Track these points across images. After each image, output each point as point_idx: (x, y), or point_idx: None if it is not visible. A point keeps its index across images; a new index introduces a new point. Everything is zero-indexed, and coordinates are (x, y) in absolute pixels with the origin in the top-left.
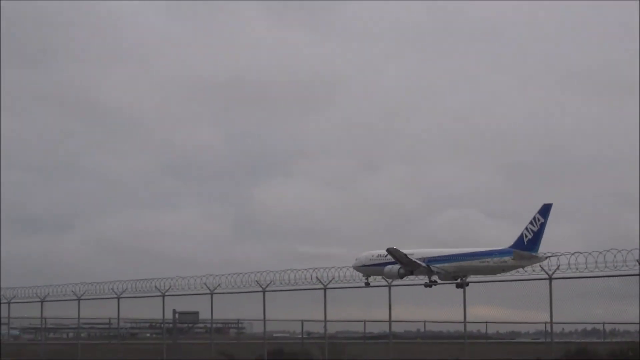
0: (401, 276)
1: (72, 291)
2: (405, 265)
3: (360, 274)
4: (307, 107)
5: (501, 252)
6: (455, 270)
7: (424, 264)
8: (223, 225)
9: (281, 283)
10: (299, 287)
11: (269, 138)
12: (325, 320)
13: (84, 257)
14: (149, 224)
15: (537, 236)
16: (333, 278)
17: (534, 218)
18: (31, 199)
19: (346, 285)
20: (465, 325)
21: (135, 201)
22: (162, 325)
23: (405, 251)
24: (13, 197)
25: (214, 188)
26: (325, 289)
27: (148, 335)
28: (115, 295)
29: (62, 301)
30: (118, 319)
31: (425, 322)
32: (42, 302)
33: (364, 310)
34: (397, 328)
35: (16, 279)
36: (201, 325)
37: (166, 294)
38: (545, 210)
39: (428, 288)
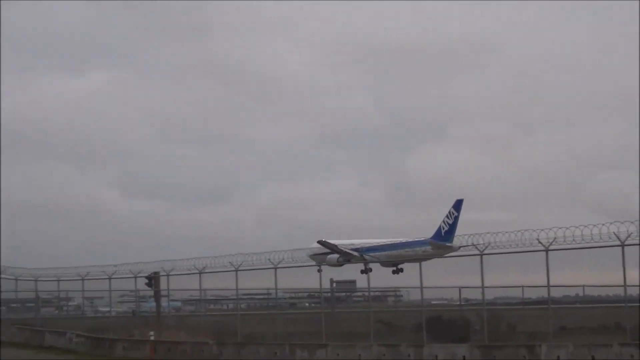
0: (340, 264)
1: (230, 262)
2: (342, 255)
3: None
4: (460, 71)
5: (422, 243)
6: (386, 259)
7: (356, 254)
8: (377, 193)
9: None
10: (455, 253)
11: (421, 103)
12: (482, 287)
13: (241, 228)
14: (305, 193)
15: (452, 228)
16: (489, 243)
17: (449, 212)
18: (190, 171)
19: (503, 250)
20: (625, 289)
21: (292, 171)
22: (320, 295)
23: (336, 242)
24: (171, 170)
25: (368, 156)
26: (481, 254)
27: (307, 304)
28: (272, 266)
29: (220, 272)
30: (276, 289)
31: (584, 286)
32: (200, 273)
33: (522, 275)
34: (555, 293)
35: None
36: (359, 293)
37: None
38: (458, 204)
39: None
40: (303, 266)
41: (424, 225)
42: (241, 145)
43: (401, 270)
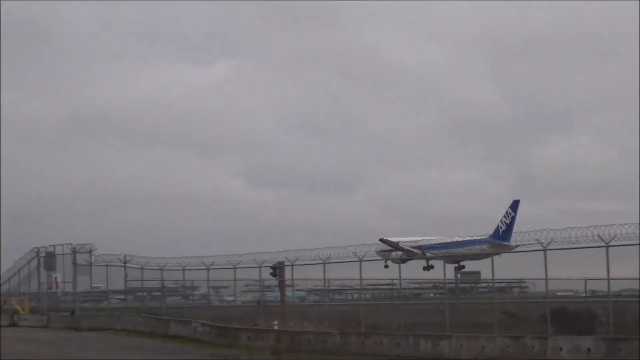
0: (403, 261)
1: (354, 252)
2: (405, 252)
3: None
4: (587, 61)
5: (480, 241)
6: (450, 257)
7: (418, 251)
8: (503, 184)
9: (562, 241)
10: (579, 245)
11: (548, 93)
12: (608, 279)
13: (365, 218)
14: (430, 183)
15: (509, 227)
16: (615, 236)
17: (507, 212)
18: (315, 161)
19: (628, 242)
20: None
21: (416, 161)
22: (444, 286)
23: (398, 239)
24: (296, 160)
25: (493, 146)
26: (607, 246)
27: (432, 295)
28: (396, 256)
29: (344, 262)
30: (400, 279)
31: None
32: (324, 263)
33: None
34: None
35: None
36: (483, 284)
37: (447, 253)
38: (515, 205)
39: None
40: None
41: (550, 218)
42: (366, 135)
43: (463, 267)
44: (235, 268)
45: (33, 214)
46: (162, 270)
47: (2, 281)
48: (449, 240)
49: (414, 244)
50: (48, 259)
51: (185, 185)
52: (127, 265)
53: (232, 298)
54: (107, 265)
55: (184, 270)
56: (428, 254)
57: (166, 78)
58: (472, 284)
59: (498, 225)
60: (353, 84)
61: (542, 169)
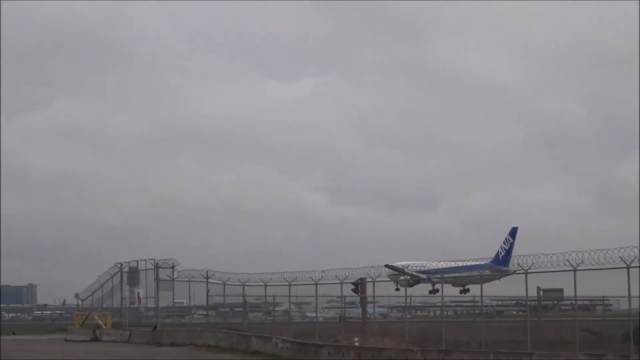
0: (410, 285)
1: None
2: (411, 277)
3: None
4: None
5: (482, 267)
6: (452, 281)
7: (424, 276)
8: (587, 199)
9: None
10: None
11: (633, 107)
12: None
13: (449, 232)
14: (514, 198)
15: (508, 253)
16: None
17: (506, 239)
18: (398, 176)
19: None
20: None
21: (500, 175)
22: (526, 303)
23: (402, 264)
24: (378, 175)
25: (578, 161)
26: (526, 273)
27: (514, 312)
28: (404, 279)
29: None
30: (481, 296)
31: None
32: (406, 280)
33: None
34: None
35: (383, 257)
36: (566, 302)
37: (529, 271)
38: (513, 232)
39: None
40: (508, 274)
41: (635, 234)
42: (449, 150)
43: (468, 290)
44: (317, 284)
45: (117, 229)
46: (244, 285)
47: (85, 296)
48: (453, 265)
49: (419, 269)
50: (131, 274)
51: (268, 200)
52: (210, 280)
53: (313, 314)
54: (189, 281)
55: (265, 286)
56: (433, 279)
57: (251, 94)
58: (555, 302)
59: (498, 251)
60: (436, 98)
61: (627, 183)
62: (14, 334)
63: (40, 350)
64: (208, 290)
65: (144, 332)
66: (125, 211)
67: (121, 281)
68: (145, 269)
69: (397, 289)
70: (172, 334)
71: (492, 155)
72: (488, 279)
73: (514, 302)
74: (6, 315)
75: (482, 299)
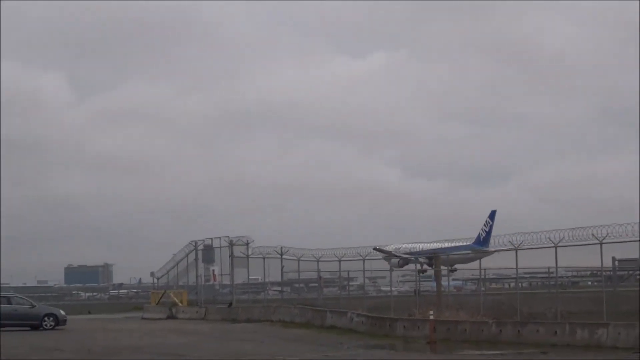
0: (400, 266)
1: (509, 241)
2: (401, 259)
3: None
4: None
5: (465, 247)
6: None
7: (412, 257)
8: None
9: None
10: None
11: None
12: None
13: (521, 206)
14: (586, 171)
15: (488, 235)
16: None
17: (486, 221)
18: (470, 151)
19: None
20: None
21: (573, 148)
22: (601, 273)
23: (390, 247)
24: (451, 150)
25: None
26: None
27: (589, 283)
28: (552, 244)
29: (500, 251)
30: (556, 267)
31: None
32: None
33: None
34: None
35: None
36: None
37: (604, 241)
38: (492, 214)
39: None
40: (584, 244)
41: None
42: (520, 123)
43: (455, 269)
44: (391, 257)
45: (190, 209)
46: (318, 261)
47: (160, 274)
48: (438, 247)
49: (407, 251)
50: (206, 252)
51: (341, 176)
52: (284, 257)
53: (388, 288)
54: (264, 257)
55: (340, 261)
56: (421, 259)
57: (322, 71)
58: (630, 272)
59: (479, 233)
60: (508, 72)
61: None
62: (89, 313)
63: (117, 329)
64: (283, 267)
65: (219, 309)
66: (198, 190)
67: (196, 259)
68: (220, 247)
69: (391, 270)
70: (248, 311)
71: (565, 128)
72: (471, 259)
73: (588, 272)
74: (83, 294)
75: (557, 270)
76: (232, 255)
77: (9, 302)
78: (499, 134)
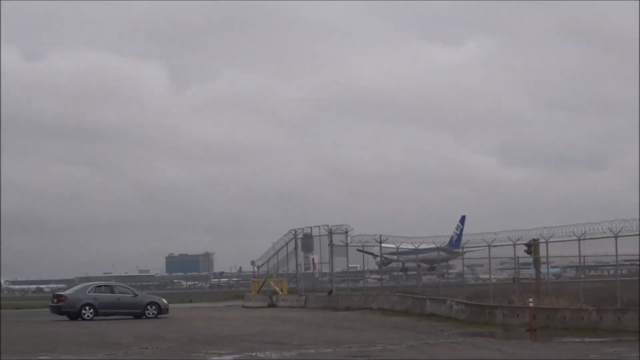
0: (384, 265)
1: (609, 228)
2: (383, 259)
3: None
4: None
5: (440, 249)
6: (417, 261)
7: (394, 257)
8: None
9: None
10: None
11: None
12: None
13: (620, 192)
14: None
15: (459, 237)
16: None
17: (457, 225)
18: (566, 138)
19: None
20: None
21: None
22: None
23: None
24: (547, 137)
25: None
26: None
27: None
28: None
29: (599, 239)
30: None
31: None
32: (579, 240)
33: None
34: None
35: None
36: None
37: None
38: (462, 219)
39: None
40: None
41: None
42: (617, 109)
43: (434, 267)
44: (489, 246)
45: (288, 197)
46: (417, 249)
47: (260, 263)
48: (418, 247)
49: (389, 251)
50: (305, 241)
51: (436, 164)
52: (383, 245)
53: (486, 276)
54: (363, 246)
55: (439, 249)
56: (401, 259)
57: (417, 58)
58: None
59: (451, 236)
60: (603, 57)
61: None
62: (190, 302)
63: (218, 317)
64: (382, 255)
65: (319, 297)
66: (295, 179)
67: (295, 248)
68: (320, 235)
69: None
70: (347, 299)
71: None
72: (444, 259)
73: None
74: (184, 283)
75: None
76: (331, 244)
77: (112, 291)
78: (596, 119)
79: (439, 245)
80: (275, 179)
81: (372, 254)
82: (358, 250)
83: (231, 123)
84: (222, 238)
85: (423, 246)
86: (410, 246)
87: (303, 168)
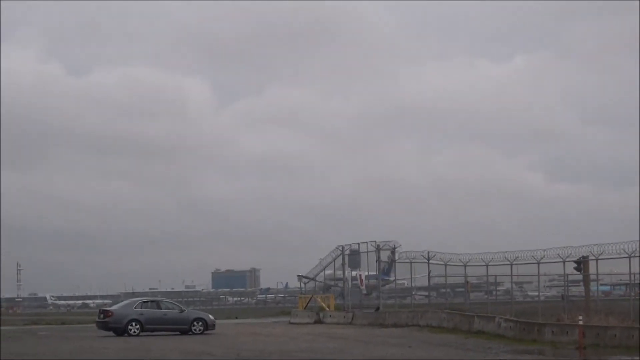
0: (325, 290)
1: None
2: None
3: None
4: None
5: (374, 276)
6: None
7: (332, 283)
8: None
9: None
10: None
11: None
12: None
13: None
14: None
15: (390, 267)
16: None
17: (388, 256)
18: (614, 154)
19: None
20: None
21: None
22: None
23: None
24: (595, 153)
25: None
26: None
27: None
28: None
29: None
30: None
31: None
32: (629, 257)
33: None
34: None
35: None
36: None
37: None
38: (394, 250)
39: None
40: (389, 283)
41: None
42: None
43: (370, 293)
44: (539, 263)
45: (335, 212)
46: (465, 266)
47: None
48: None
49: (330, 277)
50: (352, 257)
51: (485, 180)
52: (431, 261)
53: (534, 293)
54: (410, 262)
55: (487, 265)
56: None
57: (465, 73)
58: None
59: (383, 266)
60: None
61: None
62: (236, 318)
63: (265, 333)
64: (430, 271)
65: (366, 314)
66: (342, 194)
67: (343, 264)
68: (367, 251)
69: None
70: (395, 315)
71: None
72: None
73: None
74: (230, 299)
75: None
76: (378, 260)
77: (159, 307)
78: None
79: (374, 274)
80: (322, 194)
81: (310, 278)
82: (299, 275)
83: (277, 138)
84: (268, 254)
85: (365, 274)
86: (459, 263)
87: (350, 183)
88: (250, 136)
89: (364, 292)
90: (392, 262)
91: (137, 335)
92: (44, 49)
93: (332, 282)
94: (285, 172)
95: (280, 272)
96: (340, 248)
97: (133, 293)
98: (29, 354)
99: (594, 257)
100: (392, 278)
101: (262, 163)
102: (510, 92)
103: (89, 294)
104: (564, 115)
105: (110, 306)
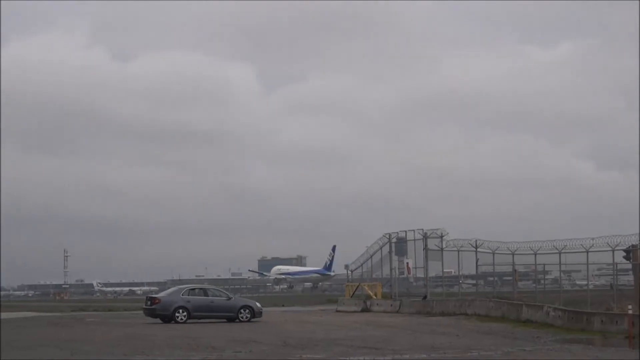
0: (277, 284)
1: None
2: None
3: None
4: None
5: (315, 271)
6: (300, 281)
7: (283, 277)
8: None
9: None
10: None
11: None
12: None
13: None
14: None
15: (331, 263)
16: None
17: (329, 253)
18: None
19: None
20: None
21: None
22: None
23: (273, 269)
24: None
25: None
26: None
27: None
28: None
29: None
30: None
31: None
32: None
33: None
34: None
35: None
36: None
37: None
38: (334, 248)
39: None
40: (330, 278)
41: None
42: None
43: (317, 286)
44: (587, 252)
45: (379, 200)
46: (513, 254)
47: (354, 267)
48: (298, 269)
49: (280, 272)
50: (399, 245)
51: (532, 168)
52: (479, 250)
53: (583, 282)
54: (458, 250)
55: (535, 254)
56: (289, 279)
57: (511, 60)
58: None
59: (326, 261)
60: None
61: None
62: (283, 305)
63: (311, 321)
64: (477, 260)
65: (413, 302)
66: (387, 182)
67: (390, 252)
68: (414, 239)
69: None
70: (442, 304)
71: None
72: (317, 280)
73: None
74: (276, 287)
75: None
76: (426, 248)
77: (206, 294)
78: None
79: (319, 268)
80: (367, 182)
81: (262, 275)
82: (249, 270)
83: (321, 125)
84: (314, 241)
85: (303, 269)
86: (507, 251)
87: (395, 171)
88: (294, 124)
89: (411, 280)
90: (332, 259)
91: (184, 322)
92: (89, 34)
93: (379, 270)
94: (330, 159)
95: (325, 259)
96: (387, 236)
97: (179, 280)
98: (79, 340)
99: None
100: (331, 273)
101: (307, 151)
102: (557, 79)
103: (135, 280)
104: (612, 102)
105: (157, 293)
